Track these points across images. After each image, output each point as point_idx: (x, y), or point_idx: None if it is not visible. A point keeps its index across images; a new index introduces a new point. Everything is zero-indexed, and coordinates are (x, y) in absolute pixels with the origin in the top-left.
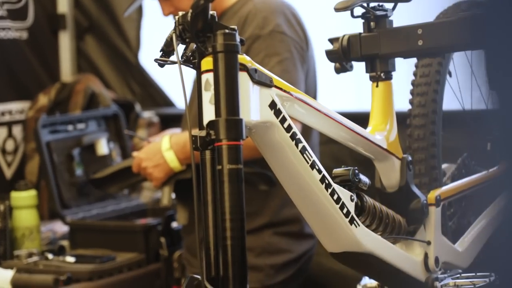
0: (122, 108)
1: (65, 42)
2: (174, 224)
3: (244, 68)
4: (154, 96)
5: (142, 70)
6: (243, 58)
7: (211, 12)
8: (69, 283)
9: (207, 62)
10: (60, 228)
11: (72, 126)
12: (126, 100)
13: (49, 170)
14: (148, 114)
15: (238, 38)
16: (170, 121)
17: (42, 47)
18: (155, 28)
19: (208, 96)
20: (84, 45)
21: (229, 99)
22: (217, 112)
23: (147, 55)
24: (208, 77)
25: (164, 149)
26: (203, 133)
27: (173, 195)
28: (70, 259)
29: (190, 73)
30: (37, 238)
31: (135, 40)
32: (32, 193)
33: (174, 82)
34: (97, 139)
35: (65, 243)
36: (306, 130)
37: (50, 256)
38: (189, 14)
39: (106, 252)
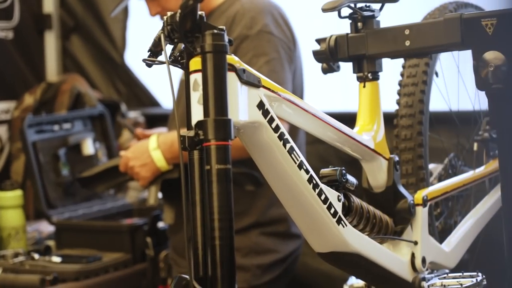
0: (107, 108)
1: (51, 42)
2: (160, 224)
3: (233, 68)
4: (140, 96)
5: (127, 70)
6: (232, 58)
7: (199, 12)
8: (56, 283)
9: (195, 62)
10: (46, 228)
11: (58, 126)
12: (112, 100)
13: (35, 170)
14: (133, 114)
15: (226, 38)
16: (155, 121)
17: (28, 47)
18: (141, 28)
19: (196, 96)
20: (70, 45)
21: (217, 99)
22: (206, 112)
23: (133, 55)
24: (196, 77)
25: (151, 148)
26: (191, 133)
27: (160, 195)
28: (56, 259)
29: (176, 73)
30: (23, 238)
31: (121, 40)
32: (17, 193)
33: (160, 82)
34: (83, 139)
35: (51, 243)
36: (293, 130)
37: (36, 256)
38: (178, 14)
39: (92, 252)
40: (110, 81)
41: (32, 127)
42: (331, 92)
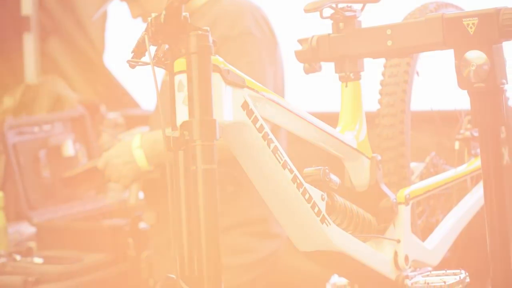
0: (87, 109)
1: (30, 44)
2: (142, 225)
3: (217, 69)
4: (119, 97)
5: (107, 71)
6: (216, 59)
7: (184, 14)
8: (38, 285)
9: (180, 63)
10: (27, 229)
11: (38, 127)
12: (92, 102)
13: (16, 172)
14: (113, 115)
15: (211, 39)
16: (135, 122)
17: (7, 49)
18: (120, 29)
19: (181, 97)
20: (48, 47)
21: (202, 100)
22: (191, 113)
23: (112, 57)
24: (181, 78)
25: (134, 147)
26: (176, 133)
27: (141, 195)
28: (38, 260)
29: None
30: (4, 240)
31: (100, 41)
32: None
33: (139, 83)
34: (63, 140)
35: (32, 244)
36: (274, 131)
37: (17, 257)
38: (162, 16)
39: (74, 253)
40: (90, 83)
41: (12, 129)
42: (312, 92)
